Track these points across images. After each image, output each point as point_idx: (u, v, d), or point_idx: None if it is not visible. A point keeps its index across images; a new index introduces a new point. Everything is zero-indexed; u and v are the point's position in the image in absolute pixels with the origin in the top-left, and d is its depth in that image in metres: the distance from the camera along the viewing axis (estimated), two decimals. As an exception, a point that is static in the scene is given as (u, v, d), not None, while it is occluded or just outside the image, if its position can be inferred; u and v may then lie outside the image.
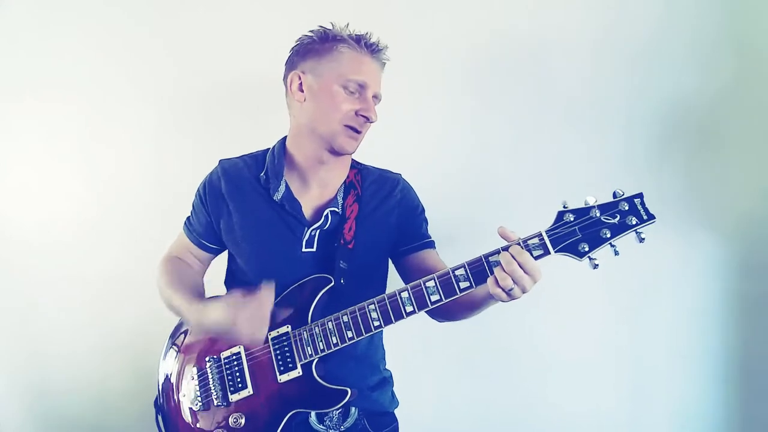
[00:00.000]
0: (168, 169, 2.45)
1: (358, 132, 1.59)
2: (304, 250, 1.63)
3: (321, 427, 1.62)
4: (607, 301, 2.32)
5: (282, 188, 1.64)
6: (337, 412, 1.63)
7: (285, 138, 1.72)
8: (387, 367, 1.83)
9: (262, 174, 1.67)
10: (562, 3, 2.30)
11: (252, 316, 1.48)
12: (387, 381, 1.79)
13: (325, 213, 1.64)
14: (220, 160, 1.75)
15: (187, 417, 1.60)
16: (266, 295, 1.49)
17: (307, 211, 1.66)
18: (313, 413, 1.61)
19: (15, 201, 2.52)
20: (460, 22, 2.34)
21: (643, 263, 2.24)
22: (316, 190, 1.68)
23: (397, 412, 1.80)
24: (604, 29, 2.28)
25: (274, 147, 1.72)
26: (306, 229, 1.63)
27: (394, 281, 1.73)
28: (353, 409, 1.65)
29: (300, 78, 1.63)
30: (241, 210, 1.66)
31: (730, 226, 2.25)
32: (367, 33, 1.63)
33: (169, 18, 2.45)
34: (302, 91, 1.62)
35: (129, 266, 2.45)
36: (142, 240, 2.39)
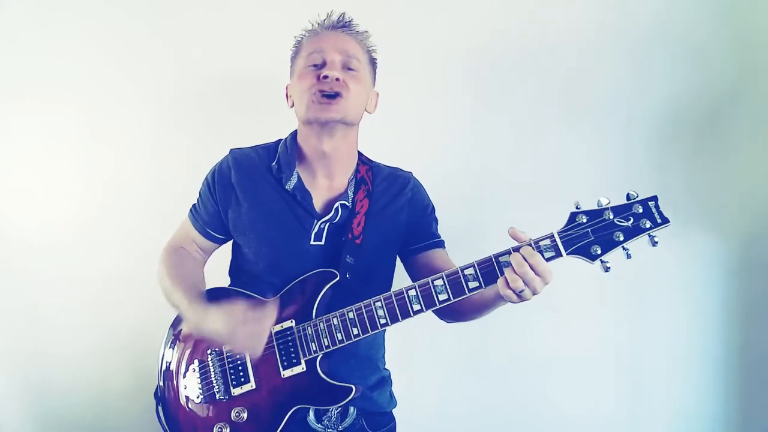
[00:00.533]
0: (168, 169, 2.45)
1: (328, 96, 1.55)
2: (312, 243, 1.62)
3: (319, 426, 1.61)
4: (607, 302, 2.32)
5: (294, 178, 1.64)
6: (336, 411, 1.62)
7: (297, 130, 1.72)
8: (387, 366, 1.82)
9: (273, 164, 1.67)
10: (561, 3, 2.30)
11: (251, 332, 1.49)
12: (386, 380, 1.78)
13: (335, 206, 1.64)
14: (231, 149, 1.73)
15: (188, 409, 1.59)
16: (269, 314, 1.50)
17: (318, 203, 1.65)
18: (311, 412, 1.60)
19: (15, 201, 2.51)
20: (460, 22, 2.34)
21: (642, 263, 2.23)
22: (323, 181, 1.67)
23: (398, 411, 1.79)
24: (604, 29, 2.29)
25: (286, 138, 1.72)
26: (315, 221, 1.63)
27: (399, 280, 1.73)
28: (351, 408, 1.65)
29: (287, 88, 1.70)
30: (250, 200, 1.65)
31: (729, 225, 2.26)
32: (328, 13, 1.67)
33: (169, 18, 2.45)
34: (290, 96, 1.67)
35: (129, 266, 2.45)
36: (142, 240, 2.38)
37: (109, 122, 2.47)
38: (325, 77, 1.55)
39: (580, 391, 2.35)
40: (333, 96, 1.55)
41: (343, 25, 1.66)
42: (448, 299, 1.43)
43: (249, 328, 1.49)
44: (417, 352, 2.35)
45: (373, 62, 1.72)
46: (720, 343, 2.28)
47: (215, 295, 1.66)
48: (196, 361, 1.60)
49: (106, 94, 2.46)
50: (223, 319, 1.49)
